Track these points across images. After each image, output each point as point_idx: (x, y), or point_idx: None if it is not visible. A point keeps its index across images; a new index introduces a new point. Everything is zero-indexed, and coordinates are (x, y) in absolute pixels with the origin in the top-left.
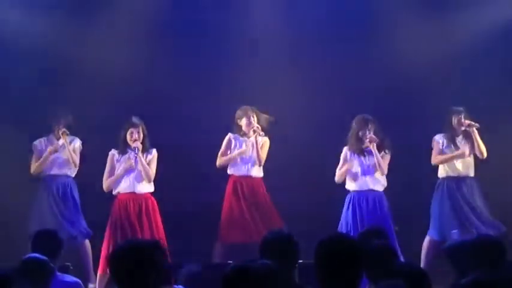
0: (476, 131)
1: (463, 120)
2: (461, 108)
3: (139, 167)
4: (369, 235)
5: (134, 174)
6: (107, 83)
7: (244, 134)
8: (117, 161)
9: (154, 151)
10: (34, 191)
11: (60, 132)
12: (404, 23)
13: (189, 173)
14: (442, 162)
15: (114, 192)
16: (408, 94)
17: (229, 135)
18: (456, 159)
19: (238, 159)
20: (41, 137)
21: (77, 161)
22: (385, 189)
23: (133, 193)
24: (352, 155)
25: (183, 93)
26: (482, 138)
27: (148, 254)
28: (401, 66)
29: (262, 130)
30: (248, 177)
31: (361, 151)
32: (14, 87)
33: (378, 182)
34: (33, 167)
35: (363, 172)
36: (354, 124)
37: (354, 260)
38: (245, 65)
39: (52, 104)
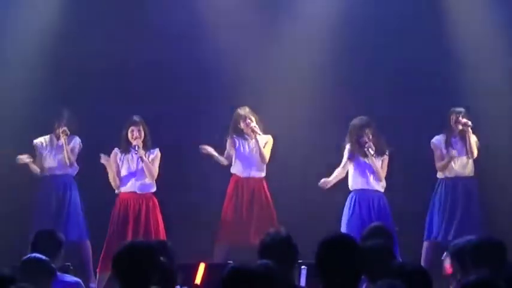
0: (470, 130)
1: (460, 119)
2: (461, 109)
3: (141, 164)
4: (373, 233)
5: (136, 173)
6: (107, 83)
7: (244, 134)
8: (120, 160)
9: (157, 151)
10: (34, 190)
11: (60, 131)
12: (405, 22)
13: (189, 173)
14: (443, 168)
15: (115, 192)
16: (409, 94)
17: (233, 137)
18: (451, 161)
19: (240, 160)
20: (41, 136)
21: (73, 159)
22: (385, 190)
23: (135, 192)
24: (352, 155)
25: (184, 93)
26: (480, 138)
27: (152, 254)
28: (402, 66)
29: (261, 129)
30: (250, 178)
31: (362, 154)
32: (14, 87)
33: (377, 181)
34: (39, 166)
35: (364, 172)
36: (350, 129)
37: (355, 260)
38: (247, 65)
39: (53, 104)
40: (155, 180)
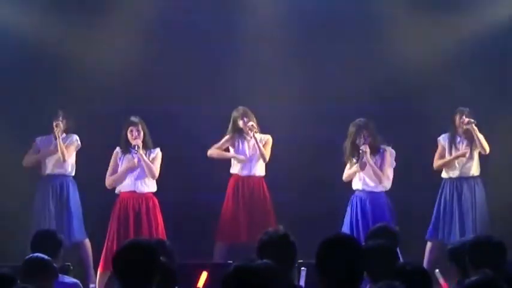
0: (475, 128)
1: (464, 118)
2: (466, 108)
3: (142, 164)
4: (378, 234)
5: (136, 173)
6: (107, 83)
7: (243, 133)
8: (120, 159)
9: (158, 150)
10: (34, 191)
11: (54, 124)
12: (404, 23)
13: (189, 172)
14: (441, 166)
15: (116, 191)
16: (409, 94)
17: (232, 136)
18: (455, 160)
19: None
20: (41, 136)
21: (66, 156)
22: (386, 190)
23: (135, 192)
24: (353, 162)
25: (184, 93)
26: (484, 136)
27: (153, 253)
28: (402, 66)
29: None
30: (250, 177)
31: (360, 156)
32: (13, 87)
33: (379, 181)
34: (26, 159)
35: (364, 174)
36: (349, 133)
37: (356, 260)
38: (247, 64)
39: (53, 104)
40: (155, 180)
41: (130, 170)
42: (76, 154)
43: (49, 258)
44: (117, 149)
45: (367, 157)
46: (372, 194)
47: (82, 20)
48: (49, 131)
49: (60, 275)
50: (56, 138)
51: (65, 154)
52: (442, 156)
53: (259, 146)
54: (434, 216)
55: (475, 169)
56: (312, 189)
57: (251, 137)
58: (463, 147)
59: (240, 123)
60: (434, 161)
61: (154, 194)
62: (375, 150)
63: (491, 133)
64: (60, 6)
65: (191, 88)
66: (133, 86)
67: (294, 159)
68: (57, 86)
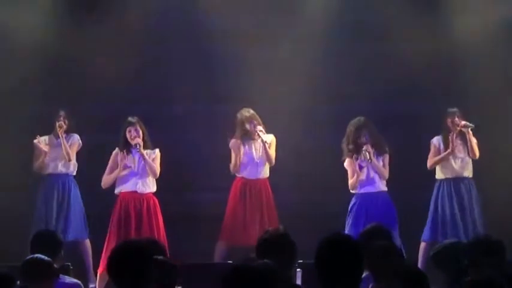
0: (470, 132)
1: (457, 120)
2: (455, 109)
3: (143, 163)
4: (371, 235)
5: (136, 173)
6: (107, 82)
7: (250, 138)
8: (118, 160)
9: (157, 151)
10: (34, 191)
11: (57, 125)
12: (405, 23)
13: (189, 172)
14: (434, 164)
15: (116, 192)
16: (409, 94)
17: (237, 141)
18: (450, 159)
19: (248, 162)
20: (41, 136)
21: (71, 156)
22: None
23: (136, 192)
24: (355, 160)
25: (183, 93)
26: (478, 138)
27: (145, 253)
28: (402, 66)
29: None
30: (257, 180)
31: (361, 155)
32: (13, 86)
33: (381, 182)
34: (37, 165)
35: (366, 174)
36: (348, 132)
37: (354, 260)
38: (247, 64)
39: (52, 104)
40: (156, 180)
41: (129, 170)
42: (76, 154)
43: (49, 258)
44: (116, 149)
45: (371, 156)
46: (377, 194)
47: (82, 19)
48: (49, 131)
49: (60, 275)
50: (57, 138)
51: (70, 154)
52: (436, 155)
53: (266, 150)
54: (432, 218)
55: (469, 170)
56: (312, 190)
57: (259, 142)
58: (458, 148)
59: (248, 126)
60: (428, 159)
61: (154, 194)
62: (378, 151)
63: (491, 133)
64: (59, 6)
65: (191, 88)
66: (132, 85)
67: (294, 159)
68: (57, 86)
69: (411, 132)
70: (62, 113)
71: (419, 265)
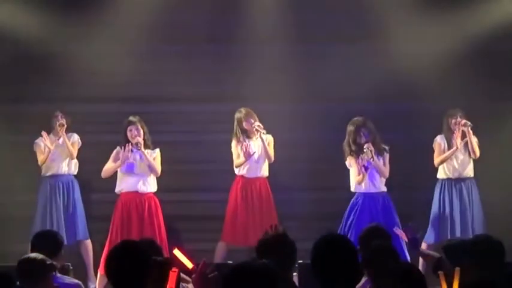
0: (470, 131)
1: (459, 120)
2: (456, 110)
3: (144, 163)
4: (371, 235)
5: (137, 173)
6: (107, 82)
7: (249, 136)
8: (123, 154)
9: (157, 151)
10: (35, 191)
11: (58, 124)
12: (405, 23)
13: (189, 172)
14: (442, 161)
15: (117, 191)
16: (409, 94)
17: (237, 140)
18: (454, 159)
19: (248, 161)
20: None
21: (75, 154)
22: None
23: (136, 192)
24: (360, 161)
25: (183, 92)
26: (478, 139)
27: (143, 255)
28: (402, 66)
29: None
30: (257, 179)
31: (362, 155)
32: (13, 86)
33: (382, 182)
34: (40, 160)
35: (369, 173)
36: (348, 132)
37: (349, 260)
38: (247, 64)
39: (51, 104)
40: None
41: (129, 167)
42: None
43: (43, 256)
44: (118, 148)
45: (372, 155)
46: (378, 195)
47: (81, 19)
48: (48, 131)
49: (60, 275)
50: (58, 138)
51: (73, 152)
52: (441, 154)
53: (265, 147)
54: (435, 218)
55: (471, 170)
56: (311, 190)
57: (257, 138)
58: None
59: (245, 124)
60: (435, 158)
61: (155, 194)
62: (379, 151)
63: (490, 133)
64: (59, 5)
65: (191, 88)
66: (133, 85)
67: (293, 159)
68: (56, 86)
69: (411, 132)
70: (58, 113)
71: (420, 267)
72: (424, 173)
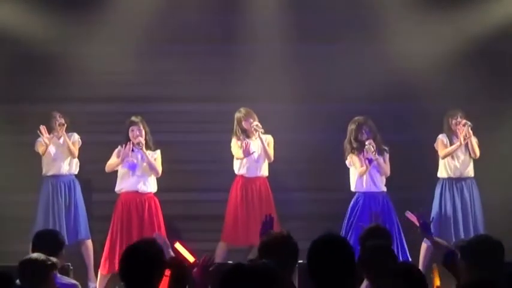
0: (470, 131)
1: (460, 119)
2: (457, 110)
3: (145, 163)
4: (371, 235)
5: (137, 173)
6: (108, 82)
7: (249, 135)
8: (124, 152)
9: (158, 152)
10: (36, 191)
11: (57, 124)
12: (405, 22)
13: (189, 172)
14: (447, 154)
15: (117, 190)
16: (409, 94)
17: (237, 140)
18: (456, 151)
19: (247, 160)
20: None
21: (76, 154)
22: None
23: (137, 192)
24: (363, 157)
25: (183, 92)
26: (478, 138)
27: (157, 255)
28: (402, 66)
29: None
30: (257, 178)
31: (363, 153)
32: (12, 86)
33: (383, 182)
34: (41, 151)
35: (370, 173)
36: (349, 131)
37: (346, 260)
38: (247, 64)
39: (52, 104)
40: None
41: (130, 166)
42: None
43: (44, 255)
44: (119, 147)
45: (374, 150)
46: (378, 195)
47: (81, 18)
48: (48, 132)
49: (59, 275)
50: (59, 138)
51: (74, 152)
52: (446, 148)
53: (264, 147)
54: (436, 217)
55: (471, 170)
56: (311, 190)
57: (257, 137)
58: (461, 148)
59: (244, 124)
60: (440, 152)
61: (155, 194)
62: (380, 150)
63: (490, 133)
64: (59, 5)
65: (191, 88)
66: (133, 85)
67: (294, 159)
68: (57, 86)
69: (411, 132)
70: (56, 113)
71: (420, 267)
72: (424, 173)
